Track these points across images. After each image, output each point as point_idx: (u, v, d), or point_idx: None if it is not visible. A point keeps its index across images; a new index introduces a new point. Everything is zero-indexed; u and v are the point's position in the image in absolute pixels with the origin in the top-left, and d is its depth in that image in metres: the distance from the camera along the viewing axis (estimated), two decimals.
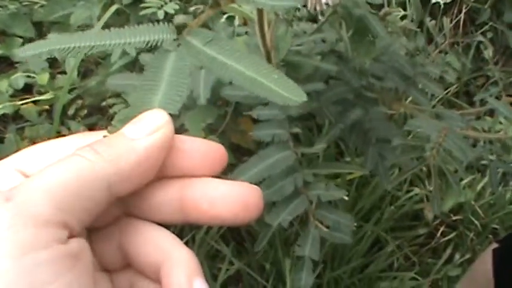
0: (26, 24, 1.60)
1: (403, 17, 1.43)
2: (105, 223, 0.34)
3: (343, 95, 1.04)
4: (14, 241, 0.27)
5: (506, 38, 2.06)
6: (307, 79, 1.00)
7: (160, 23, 0.41)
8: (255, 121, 1.56)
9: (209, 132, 1.16)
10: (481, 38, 1.75)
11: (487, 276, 1.32)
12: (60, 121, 1.33)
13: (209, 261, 1.48)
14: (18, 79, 1.38)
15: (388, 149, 1.10)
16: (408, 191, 1.73)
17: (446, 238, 1.73)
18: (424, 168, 1.71)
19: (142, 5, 1.32)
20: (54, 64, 1.56)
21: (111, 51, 0.42)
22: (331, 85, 1.04)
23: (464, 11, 1.98)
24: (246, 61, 0.39)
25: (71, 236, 0.30)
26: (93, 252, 0.32)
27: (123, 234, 0.34)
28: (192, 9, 1.26)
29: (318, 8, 0.75)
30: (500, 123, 1.58)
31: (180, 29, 0.44)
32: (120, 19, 1.37)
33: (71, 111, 1.41)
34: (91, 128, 1.39)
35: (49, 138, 1.14)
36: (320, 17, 1.15)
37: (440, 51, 1.23)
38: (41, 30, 1.64)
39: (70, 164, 0.30)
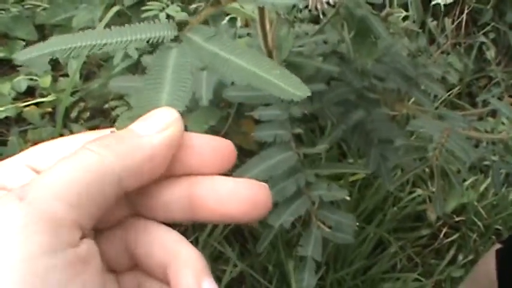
0: (28, 27, 1.60)
1: (404, 18, 1.43)
2: (112, 224, 0.34)
3: (345, 96, 1.04)
4: (27, 244, 0.27)
5: (508, 39, 2.06)
6: (308, 80, 1.00)
7: (162, 20, 0.41)
8: (257, 122, 1.56)
9: (212, 134, 1.16)
10: (483, 38, 1.75)
11: (490, 277, 1.31)
12: (62, 124, 1.33)
13: (212, 263, 1.48)
14: (21, 82, 1.39)
15: (391, 149, 1.10)
16: (411, 192, 1.73)
17: (450, 239, 1.73)
18: (427, 169, 1.71)
19: (144, 7, 1.32)
20: (56, 67, 1.56)
21: (113, 50, 0.42)
22: (333, 86, 1.04)
23: (466, 11, 1.98)
24: (248, 56, 0.39)
25: (83, 237, 0.29)
26: (100, 254, 0.32)
27: (130, 235, 0.34)
28: (193, 6, 1.26)
29: (319, 7, 0.75)
30: (503, 123, 1.58)
31: (181, 26, 0.44)
32: (121, 21, 1.37)
33: (73, 114, 1.41)
34: (93, 130, 1.39)
35: None
36: (322, 18, 1.15)
37: (442, 52, 1.22)
38: (43, 33, 1.64)
39: (80, 159, 0.30)
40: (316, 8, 0.71)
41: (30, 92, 1.51)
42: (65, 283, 0.27)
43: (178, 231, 1.14)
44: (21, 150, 1.06)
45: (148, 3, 1.31)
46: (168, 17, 1.30)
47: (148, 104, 0.38)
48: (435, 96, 1.66)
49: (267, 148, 0.73)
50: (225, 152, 0.34)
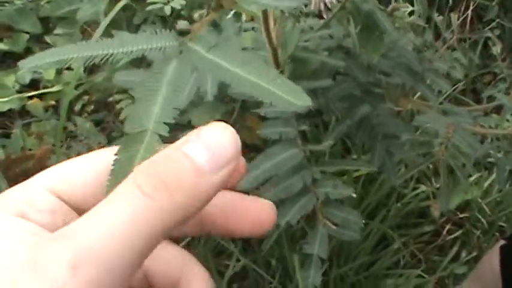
0: (32, 20, 1.60)
1: (410, 13, 1.42)
2: None
3: (350, 91, 1.04)
4: None
5: None
6: (314, 75, 1.00)
7: (163, 30, 0.40)
8: (262, 118, 1.56)
9: None
10: (489, 33, 1.74)
11: (494, 274, 1.31)
12: (66, 117, 1.33)
13: (215, 258, 1.48)
14: (25, 74, 1.39)
15: (396, 145, 1.09)
16: (414, 188, 1.72)
17: (453, 236, 1.72)
18: (431, 166, 1.71)
19: (149, 0, 1.32)
20: None
21: (112, 60, 0.42)
22: (338, 81, 1.03)
23: (471, 8, 1.97)
24: (250, 66, 0.39)
25: None
26: None
27: None
28: (196, 15, 1.26)
29: (322, 7, 0.75)
30: (508, 121, 1.58)
31: (183, 35, 0.44)
32: (126, 14, 1.37)
33: (77, 107, 1.41)
34: (98, 123, 1.39)
35: (56, 134, 1.14)
36: (324, 16, 1.15)
37: (447, 48, 1.22)
38: (47, 25, 1.64)
39: (133, 209, 0.25)
40: (320, 8, 0.70)
41: (34, 85, 1.50)
42: None
43: None
44: (25, 143, 1.05)
45: None
46: (173, 10, 1.30)
47: (138, 116, 0.37)
48: (439, 91, 1.65)
49: (273, 145, 0.72)
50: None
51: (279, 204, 0.71)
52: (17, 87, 1.45)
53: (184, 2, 1.29)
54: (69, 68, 1.51)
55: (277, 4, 0.45)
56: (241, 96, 0.80)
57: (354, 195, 0.72)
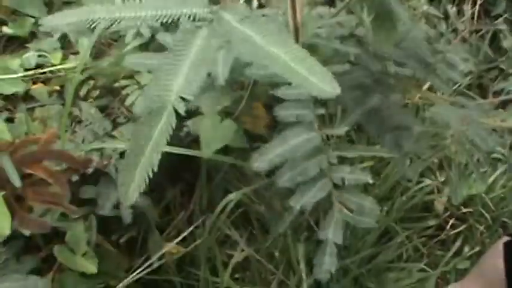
0: (37, 4, 1.58)
1: None
2: None
3: (361, 80, 1.03)
4: None
5: None
6: (326, 62, 0.98)
7: None
8: (267, 107, 1.55)
9: (225, 115, 1.14)
10: (503, 26, 1.72)
11: (497, 270, 1.30)
12: (71, 102, 1.32)
13: (219, 247, 1.47)
14: (30, 58, 1.37)
15: (405, 136, 1.08)
16: (419, 182, 1.71)
17: (456, 230, 1.71)
18: (435, 160, 1.70)
19: None
20: (65, 45, 1.54)
21: (141, 23, 0.40)
22: (350, 70, 1.02)
23: (479, 2, 1.96)
24: (281, 44, 0.37)
25: None
26: None
27: None
28: None
29: None
30: None
31: (215, 3, 0.42)
32: None
33: (82, 92, 1.39)
34: (103, 109, 1.37)
35: (60, 119, 1.12)
36: (337, 3, 1.13)
37: (449, 43, 1.21)
38: (52, 10, 1.62)
39: None
40: None
41: (39, 70, 1.49)
42: None
43: (184, 214, 1.12)
44: (29, 128, 1.03)
45: None
46: None
47: (160, 87, 0.36)
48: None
49: (290, 128, 0.71)
50: None
51: (295, 188, 0.70)
52: (22, 72, 1.43)
53: None
54: (74, 53, 1.50)
55: None
56: (259, 77, 0.78)
57: (371, 181, 0.71)
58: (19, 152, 0.99)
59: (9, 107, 1.46)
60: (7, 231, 0.90)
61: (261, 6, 1.28)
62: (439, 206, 1.71)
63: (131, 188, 0.42)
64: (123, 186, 0.42)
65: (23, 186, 0.95)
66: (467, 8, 1.82)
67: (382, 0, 0.95)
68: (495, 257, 1.33)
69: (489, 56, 1.95)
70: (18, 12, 1.60)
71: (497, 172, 1.77)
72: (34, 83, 1.48)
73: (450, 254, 1.66)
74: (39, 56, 1.40)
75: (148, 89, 0.77)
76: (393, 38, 1.00)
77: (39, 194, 0.95)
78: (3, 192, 0.93)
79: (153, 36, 1.35)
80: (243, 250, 1.46)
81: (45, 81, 1.49)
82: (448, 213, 1.74)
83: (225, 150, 1.29)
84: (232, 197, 1.42)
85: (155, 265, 1.34)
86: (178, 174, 1.55)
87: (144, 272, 1.31)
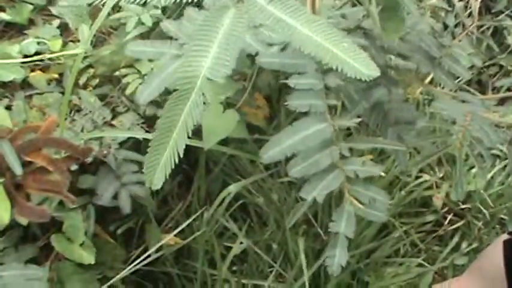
0: None
1: None
2: None
3: None
4: None
5: None
6: None
7: None
8: (268, 100, 1.53)
9: (227, 106, 1.13)
10: (508, 22, 1.72)
11: (496, 267, 1.30)
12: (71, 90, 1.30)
13: (216, 239, 1.46)
14: (30, 45, 1.35)
15: (407, 131, 1.07)
16: (417, 177, 1.71)
17: (454, 226, 1.71)
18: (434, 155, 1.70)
19: None
20: (64, 33, 1.52)
21: (159, 3, 0.39)
22: None
23: None
24: (314, 25, 0.36)
25: None
26: None
27: None
28: None
29: None
30: None
31: None
32: None
33: (82, 80, 1.38)
34: (102, 98, 1.36)
35: (59, 107, 1.10)
36: None
37: (454, 38, 1.20)
38: None
39: None
40: None
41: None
42: None
43: (182, 206, 1.11)
44: (27, 115, 1.02)
45: None
46: None
47: (190, 69, 0.35)
48: None
49: (302, 118, 0.70)
50: None
51: (306, 180, 0.69)
52: (20, 58, 1.41)
53: None
54: (73, 41, 1.48)
55: None
56: (272, 65, 0.76)
57: (383, 174, 0.70)
58: (18, 140, 0.97)
59: (6, 95, 1.45)
60: (7, 220, 0.89)
61: None
62: (437, 201, 1.71)
63: (157, 172, 0.41)
64: (148, 170, 0.42)
65: (23, 174, 0.94)
66: (473, 2, 1.81)
67: None
68: (494, 254, 1.33)
69: (489, 52, 1.95)
70: None
71: (496, 168, 1.77)
72: (32, 70, 1.46)
73: (448, 249, 1.66)
74: (38, 43, 1.38)
75: (169, 73, 0.76)
76: (401, 30, 0.99)
77: (39, 182, 0.94)
78: (2, 180, 0.92)
79: (154, 25, 1.34)
80: (241, 243, 1.46)
81: (43, 69, 1.47)
82: (446, 208, 1.73)
83: (224, 141, 1.28)
84: (231, 189, 1.42)
85: (153, 257, 1.33)
86: (176, 165, 1.54)
87: (142, 263, 1.30)
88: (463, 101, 1.09)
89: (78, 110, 1.32)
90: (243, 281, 1.47)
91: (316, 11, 0.73)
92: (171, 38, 0.98)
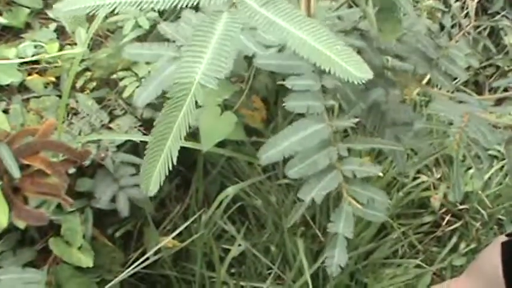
0: None
1: None
2: None
3: None
4: None
5: None
6: None
7: None
8: (265, 102, 1.53)
9: (225, 108, 1.13)
10: (506, 22, 1.72)
11: (495, 269, 1.30)
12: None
13: (214, 242, 1.46)
14: (27, 48, 1.35)
15: (405, 132, 1.07)
16: (415, 178, 1.71)
17: (452, 227, 1.71)
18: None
19: None
20: (61, 36, 1.52)
21: (161, 7, 0.40)
22: None
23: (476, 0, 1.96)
24: (307, 27, 0.36)
25: None
26: None
27: None
28: None
29: None
30: (510, 114, 1.57)
31: None
32: None
33: (79, 84, 1.38)
34: (100, 101, 1.36)
35: (56, 110, 1.10)
36: None
37: (451, 39, 1.21)
38: (46, 1, 1.61)
39: None
40: None
41: (34, 61, 1.47)
42: None
43: (180, 208, 1.11)
44: (24, 119, 1.02)
45: None
46: None
47: (185, 74, 0.35)
48: None
49: (300, 119, 0.70)
50: None
51: (305, 180, 0.69)
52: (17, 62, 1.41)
53: None
54: (70, 44, 1.48)
55: None
56: (269, 67, 0.76)
57: (381, 174, 0.70)
58: (16, 143, 0.97)
59: (3, 98, 1.45)
60: (5, 223, 0.89)
61: None
62: (435, 202, 1.71)
63: (153, 178, 0.41)
64: (144, 177, 0.42)
65: (20, 177, 0.94)
66: (462, 6, 1.82)
67: None
68: (492, 255, 1.33)
69: (486, 53, 1.96)
70: (14, 3, 1.58)
71: (493, 169, 1.77)
72: (29, 74, 1.47)
73: (446, 250, 1.66)
74: (35, 46, 1.38)
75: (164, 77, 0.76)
76: (398, 31, 0.99)
77: (37, 185, 0.94)
78: (0, 183, 0.92)
79: (151, 28, 1.34)
80: (239, 245, 1.46)
81: (40, 73, 1.47)
82: (444, 209, 1.74)
83: (222, 143, 1.28)
84: (229, 191, 1.42)
85: (151, 259, 1.33)
86: (174, 168, 1.54)
87: (140, 266, 1.30)
88: (460, 102, 1.09)
89: (76, 113, 1.32)
90: (242, 283, 1.47)
91: (311, 13, 0.73)
92: (168, 40, 0.98)
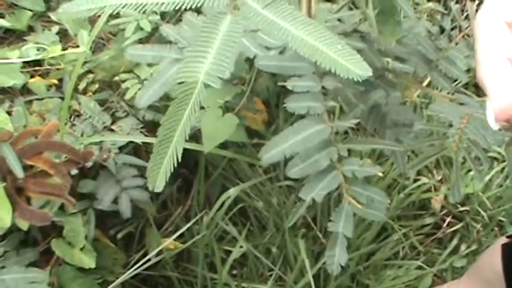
0: None
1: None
2: None
3: None
4: None
5: None
6: None
7: None
8: (266, 104, 1.54)
9: (226, 110, 1.14)
10: None
11: (494, 271, 1.30)
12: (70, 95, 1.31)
13: (216, 243, 1.47)
14: (29, 50, 1.36)
15: (405, 133, 1.08)
16: (416, 180, 1.72)
17: (453, 229, 1.72)
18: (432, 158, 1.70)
19: None
20: (63, 39, 1.53)
21: (165, 9, 0.40)
22: None
23: (477, 2, 1.96)
24: (309, 28, 0.37)
25: None
26: None
27: None
28: None
29: None
30: None
31: None
32: None
33: (81, 86, 1.38)
34: (102, 103, 1.37)
35: (59, 112, 1.11)
36: None
37: (451, 41, 1.21)
38: (49, 3, 1.61)
39: None
40: None
41: (37, 63, 1.48)
42: None
43: (181, 210, 1.12)
44: (27, 121, 1.02)
45: None
46: None
47: (186, 73, 0.36)
48: None
49: (300, 120, 0.71)
50: None
51: (305, 180, 0.70)
52: (20, 64, 1.42)
53: None
54: (73, 46, 1.49)
55: None
56: (270, 68, 0.77)
57: (381, 174, 0.71)
58: (20, 143, 0.98)
59: (6, 101, 1.45)
60: (8, 223, 0.90)
61: None
62: (436, 204, 1.71)
63: (160, 175, 0.42)
64: (151, 173, 0.43)
65: (24, 178, 0.94)
66: (469, 4, 1.82)
67: None
68: (493, 257, 1.34)
69: None
70: (16, 6, 1.59)
71: (494, 171, 1.78)
72: (32, 76, 1.47)
73: (447, 252, 1.67)
74: (38, 49, 1.39)
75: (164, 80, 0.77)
76: (398, 33, 0.99)
77: (40, 186, 0.95)
78: (4, 184, 0.92)
79: (153, 31, 1.35)
80: (241, 246, 1.46)
81: (42, 75, 1.48)
82: (445, 211, 1.74)
83: (223, 145, 1.29)
84: (231, 193, 1.43)
85: (153, 261, 1.34)
86: (176, 169, 1.55)
87: (142, 267, 1.30)
88: (461, 104, 1.10)
89: (78, 115, 1.33)
90: (243, 284, 1.47)
91: (312, 15, 0.74)
92: (170, 42, 0.99)
